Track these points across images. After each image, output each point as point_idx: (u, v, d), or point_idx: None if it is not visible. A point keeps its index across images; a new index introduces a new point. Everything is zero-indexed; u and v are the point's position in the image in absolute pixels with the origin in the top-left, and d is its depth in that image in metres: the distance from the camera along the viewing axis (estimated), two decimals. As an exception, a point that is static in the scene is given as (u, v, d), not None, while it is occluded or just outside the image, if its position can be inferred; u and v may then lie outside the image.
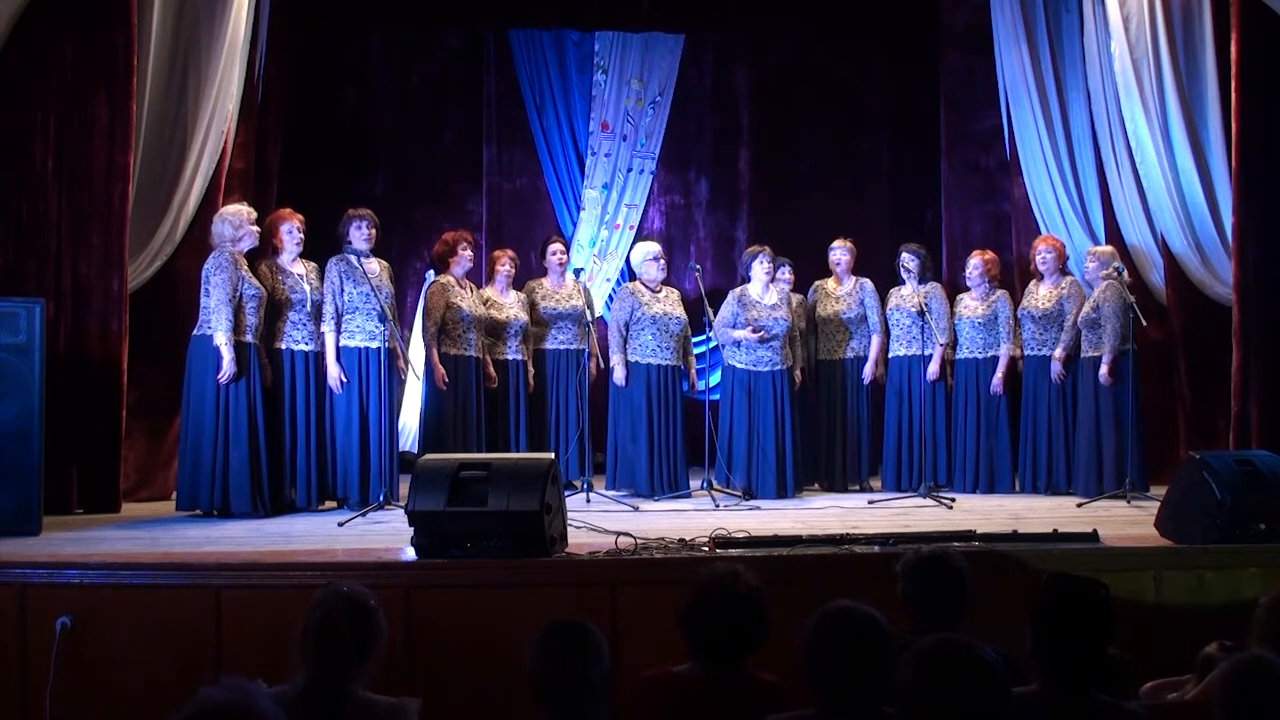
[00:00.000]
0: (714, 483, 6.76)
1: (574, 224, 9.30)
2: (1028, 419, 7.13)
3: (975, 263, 7.35)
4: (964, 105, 8.58)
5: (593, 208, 9.29)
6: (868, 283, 7.42)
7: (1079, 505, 6.36)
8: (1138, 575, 4.57)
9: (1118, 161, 7.56)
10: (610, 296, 9.04)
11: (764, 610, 2.99)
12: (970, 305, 7.31)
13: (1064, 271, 7.26)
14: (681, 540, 4.73)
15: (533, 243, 7.70)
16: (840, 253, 7.44)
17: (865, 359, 7.35)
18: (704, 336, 7.46)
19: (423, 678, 4.00)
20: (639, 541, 4.70)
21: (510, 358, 6.96)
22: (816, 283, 7.57)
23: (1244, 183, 6.59)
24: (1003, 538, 4.84)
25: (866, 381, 7.33)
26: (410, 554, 4.44)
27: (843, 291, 7.41)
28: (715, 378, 8.00)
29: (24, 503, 5.25)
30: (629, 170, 9.35)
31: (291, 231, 6.26)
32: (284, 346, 6.19)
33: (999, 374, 7.13)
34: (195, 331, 5.98)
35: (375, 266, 6.41)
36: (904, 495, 6.85)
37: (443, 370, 6.62)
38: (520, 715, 2.96)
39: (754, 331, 6.97)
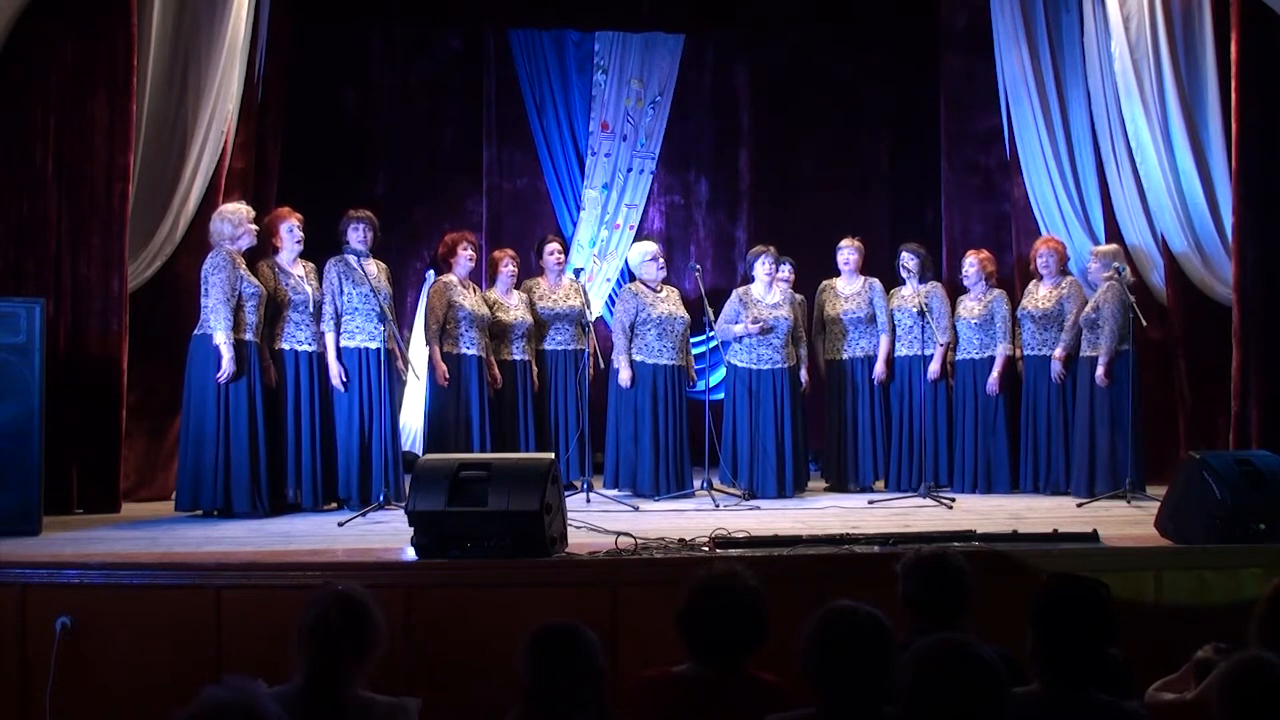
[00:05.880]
0: (714, 482, 6.77)
1: (574, 224, 9.30)
2: (1028, 419, 7.13)
3: (970, 261, 7.34)
4: (964, 105, 8.57)
5: (593, 208, 9.29)
6: (876, 282, 7.40)
7: (1079, 505, 6.37)
8: (1138, 575, 4.57)
9: (1118, 161, 7.56)
10: (611, 297, 9.04)
11: (763, 610, 2.99)
12: (968, 306, 7.31)
13: (1064, 272, 7.26)
14: (681, 540, 4.73)
15: (533, 243, 7.70)
16: (848, 252, 7.43)
17: (872, 358, 7.32)
18: (704, 336, 7.46)
19: (423, 678, 4.00)
20: (639, 541, 4.70)
21: (516, 358, 6.96)
22: (824, 282, 7.55)
23: (1244, 183, 6.59)
24: (1003, 538, 4.85)
25: (876, 381, 7.32)
26: (410, 554, 4.44)
27: (851, 291, 7.40)
28: (716, 377, 8.01)
29: (24, 503, 5.25)
30: (629, 170, 9.35)
31: (291, 230, 6.26)
32: (286, 347, 6.20)
33: (995, 374, 7.12)
34: (195, 331, 5.98)
35: (374, 267, 6.41)
36: (904, 495, 6.85)
37: (444, 367, 6.62)
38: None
39: (754, 323, 6.97)
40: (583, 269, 8.13)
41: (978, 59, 8.35)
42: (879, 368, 7.30)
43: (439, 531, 4.36)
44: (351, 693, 2.77)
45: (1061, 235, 7.68)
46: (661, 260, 7.23)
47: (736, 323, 7.05)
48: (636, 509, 6.31)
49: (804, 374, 7.25)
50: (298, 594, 3.73)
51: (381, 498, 6.08)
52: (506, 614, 4.13)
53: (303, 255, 6.36)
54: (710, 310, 6.93)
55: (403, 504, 4.96)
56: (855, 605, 2.63)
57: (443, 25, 9.39)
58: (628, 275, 8.45)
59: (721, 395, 7.38)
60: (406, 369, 6.54)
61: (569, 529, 4.71)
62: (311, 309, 6.25)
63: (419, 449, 7.65)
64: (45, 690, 4.10)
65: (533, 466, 4.47)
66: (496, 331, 6.91)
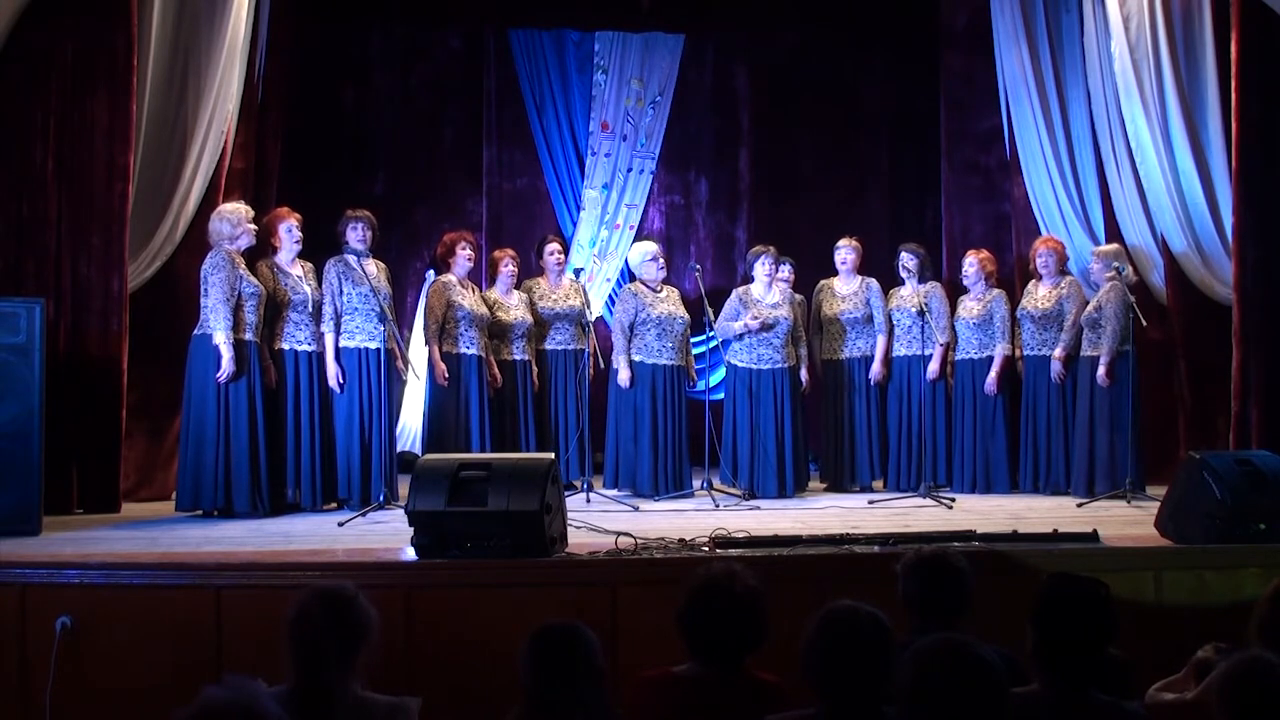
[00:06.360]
0: (714, 483, 6.77)
1: (574, 224, 9.30)
2: (1028, 419, 7.13)
3: (970, 261, 7.34)
4: (964, 105, 8.57)
5: (593, 208, 9.29)
6: (873, 282, 7.39)
7: (1079, 505, 6.37)
8: (1138, 575, 4.57)
9: (1118, 161, 7.56)
10: (611, 297, 9.04)
11: (762, 610, 3.00)
12: (967, 305, 7.31)
13: (1064, 272, 7.26)
14: (681, 540, 4.73)
15: (533, 243, 7.70)
16: (846, 251, 7.43)
17: (870, 358, 7.32)
18: (704, 336, 7.46)
19: (423, 678, 4.00)
20: (639, 541, 4.70)
21: (516, 358, 6.96)
22: (821, 282, 7.55)
23: (1244, 183, 6.59)
24: (1003, 538, 4.85)
25: (874, 381, 7.32)
26: (410, 554, 4.44)
27: (848, 291, 7.40)
28: (716, 377, 8.01)
29: (24, 503, 5.25)
30: (629, 170, 9.36)
31: (290, 230, 6.26)
32: (286, 347, 6.20)
33: (993, 373, 7.12)
34: (195, 331, 5.98)
35: (373, 267, 6.41)
36: (904, 495, 6.85)
37: (444, 367, 6.62)
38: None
39: (754, 319, 6.96)
40: (583, 269, 8.13)
41: (978, 59, 8.35)
42: (876, 368, 7.29)
43: (439, 531, 4.36)
44: (346, 690, 2.76)
45: (1061, 235, 7.68)
46: (661, 260, 7.22)
47: (736, 321, 7.05)
48: (636, 509, 6.31)
49: (804, 374, 7.25)
50: (297, 594, 3.72)
51: (381, 498, 6.08)
52: (506, 614, 4.13)
53: (302, 255, 6.36)
54: (710, 310, 6.93)
55: (402, 504, 4.96)
56: (855, 605, 2.64)
57: (443, 25, 9.39)
58: (628, 275, 8.46)
59: (721, 395, 7.38)
60: (406, 369, 6.54)
61: (569, 529, 4.71)
62: (310, 309, 6.25)
63: (419, 449, 7.66)
64: (45, 690, 4.10)
65: (533, 466, 4.46)
66: (497, 331, 6.91)
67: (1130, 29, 7.13)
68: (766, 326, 6.99)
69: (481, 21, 9.33)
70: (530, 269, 7.46)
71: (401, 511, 4.70)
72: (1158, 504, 5.20)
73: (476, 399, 6.70)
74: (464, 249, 6.87)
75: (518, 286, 7.14)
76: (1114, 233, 7.63)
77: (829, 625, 2.59)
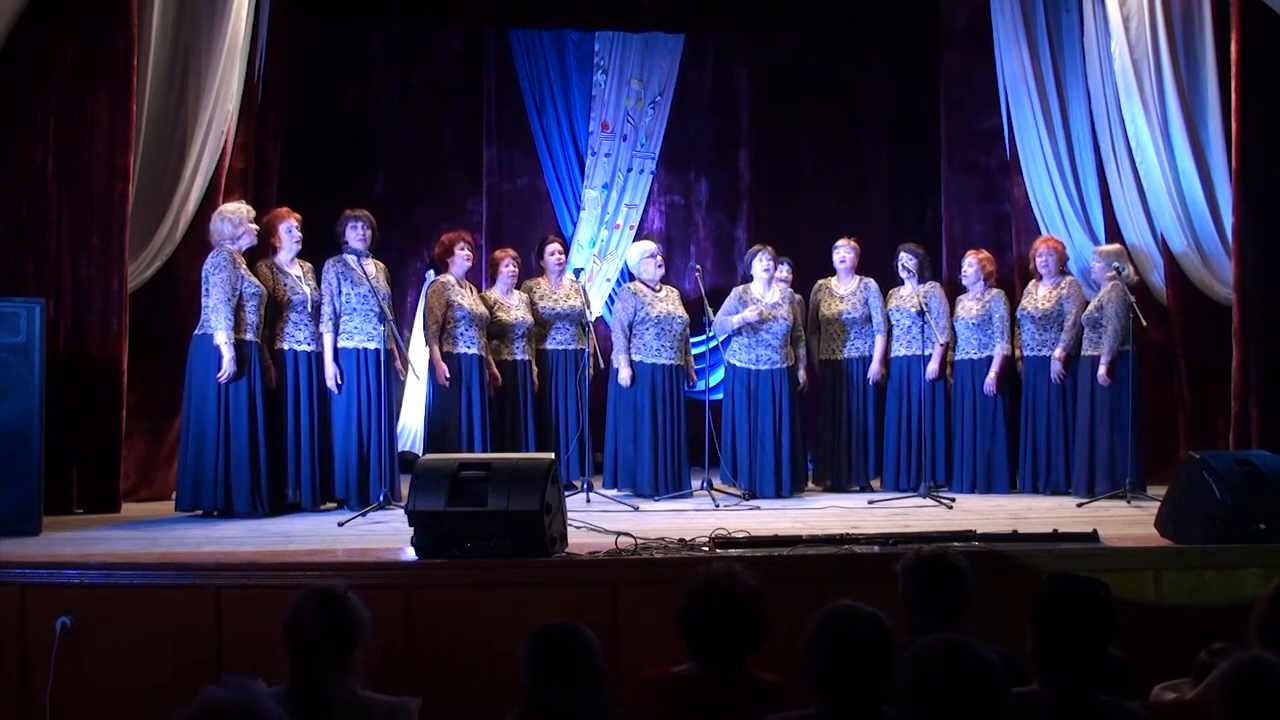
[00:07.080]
0: (714, 482, 6.77)
1: (574, 224, 9.30)
2: (1028, 419, 7.13)
3: (970, 261, 7.34)
4: (964, 105, 8.57)
5: (593, 208, 9.30)
6: (872, 282, 7.40)
7: (1079, 505, 6.37)
8: (1138, 575, 4.56)
9: (1118, 161, 7.56)
10: (611, 297, 9.05)
11: (762, 610, 3.00)
12: (966, 305, 7.31)
13: (1064, 272, 7.26)
14: (681, 540, 4.73)
15: (533, 243, 7.70)
16: (844, 251, 7.43)
17: (868, 358, 7.33)
18: (704, 336, 7.46)
19: (423, 678, 4.00)
20: (639, 541, 4.70)
21: (516, 358, 6.97)
22: (820, 282, 7.55)
23: (1244, 183, 6.60)
24: (1003, 538, 4.85)
25: (872, 381, 7.32)
26: (410, 554, 4.44)
27: (846, 291, 7.40)
28: (716, 377, 8.01)
29: (24, 503, 5.25)
30: (629, 170, 9.36)
31: (290, 230, 6.26)
32: (285, 347, 6.20)
33: (992, 374, 7.12)
34: (196, 331, 5.98)
35: (372, 267, 6.41)
36: (904, 495, 6.85)
37: (445, 367, 6.62)
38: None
39: (752, 311, 6.96)
40: (583, 269, 8.13)
41: (978, 59, 8.35)
42: (874, 368, 7.29)
43: (439, 531, 4.36)
44: (344, 690, 2.76)
45: (1061, 235, 7.68)
46: (660, 259, 7.22)
47: (735, 315, 7.04)
48: (636, 509, 6.31)
49: (802, 374, 7.25)
50: (292, 596, 3.72)
51: (381, 497, 6.08)
52: (506, 614, 4.13)
53: (302, 255, 6.37)
54: (710, 310, 6.93)
55: (402, 504, 4.96)
56: (855, 605, 2.63)
57: (443, 25, 9.40)
58: (627, 275, 8.46)
59: (721, 395, 7.38)
60: (406, 369, 6.54)
61: (569, 529, 4.71)
62: (310, 309, 6.25)
63: (419, 449, 7.66)
64: (45, 690, 4.10)
65: (533, 466, 4.46)
66: (497, 331, 6.91)
67: (1130, 29, 7.14)
68: (766, 318, 6.99)
69: (481, 21, 9.34)
70: (530, 269, 7.46)
71: (401, 511, 4.70)
72: (1158, 504, 5.20)
73: (477, 399, 6.70)
74: (462, 249, 6.87)
75: (518, 286, 7.14)
76: (1114, 233, 7.63)
77: (829, 625, 2.59)
